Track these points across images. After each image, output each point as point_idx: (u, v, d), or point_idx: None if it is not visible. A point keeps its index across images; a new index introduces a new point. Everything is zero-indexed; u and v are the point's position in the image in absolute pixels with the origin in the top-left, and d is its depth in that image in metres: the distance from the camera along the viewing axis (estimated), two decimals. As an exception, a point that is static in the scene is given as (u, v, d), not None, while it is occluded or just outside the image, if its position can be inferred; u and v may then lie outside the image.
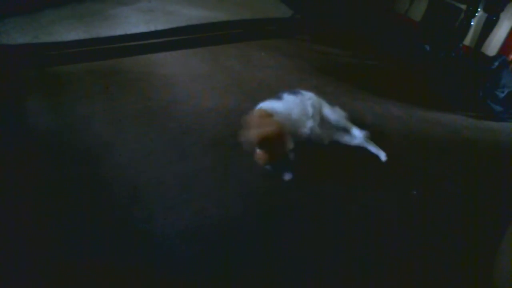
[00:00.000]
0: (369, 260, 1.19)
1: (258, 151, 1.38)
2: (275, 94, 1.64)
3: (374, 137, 1.70)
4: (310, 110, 1.58)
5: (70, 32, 2.35)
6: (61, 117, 1.68)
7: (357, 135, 1.64)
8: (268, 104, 1.54)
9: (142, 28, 2.52)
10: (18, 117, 1.67)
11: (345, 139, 1.66)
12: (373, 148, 1.64)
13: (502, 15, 2.32)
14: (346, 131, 1.66)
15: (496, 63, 2.18)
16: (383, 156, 1.61)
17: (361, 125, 1.72)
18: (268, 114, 1.45)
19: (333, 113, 1.66)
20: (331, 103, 1.73)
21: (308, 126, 1.55)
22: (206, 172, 1.45)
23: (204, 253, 1.14)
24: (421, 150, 1.77)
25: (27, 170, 1.39)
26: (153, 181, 1.38)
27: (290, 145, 1.40)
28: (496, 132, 2.00)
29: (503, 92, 2.17)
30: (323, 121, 1.63)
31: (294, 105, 1.56)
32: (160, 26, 2.58)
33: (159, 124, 1.70)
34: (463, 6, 2.54)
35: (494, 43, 2.55)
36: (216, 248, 1.17)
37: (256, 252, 1.18)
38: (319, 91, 1.75)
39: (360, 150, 1.64)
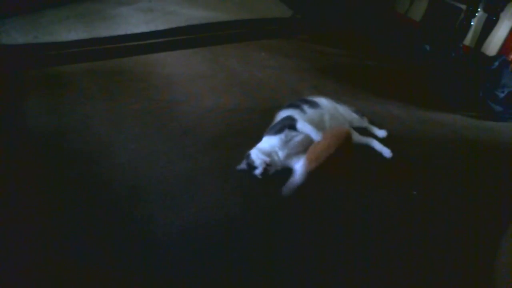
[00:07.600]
0: (369, 260, 1.19)
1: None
2: (287, 101, 1.63)
3: (373, 137, 1.70)
4: (327, 125, 1.60)
5: (70, 32, 2.35)
6: (61, 117, 1.68)
7: (380, 134, 1.75)
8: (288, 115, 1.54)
9: (142, 28, 2.52)
10: (18, 117, 1.67)
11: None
12: (378, 146, 1.64)
13: (502, 15, 2.32)
14: (367, 131, 1.73)
15: (496, 63, 2.18)
16: (387, 153, 1.60)
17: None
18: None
19: (358, 121, 1.76)
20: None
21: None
22: (206, 172, 1.45)
23: (204, 253, 1.14)
24: (421, 150, 1.76)
25: (27, 170, 1.39)
26: (153, 181, 1.38)
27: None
28: (496, 132, 2.00)
29: (503, 92, 2.17)
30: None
31: (314, 124, 1.51)
32: (160, 26, 2.59)
33: (159, 124, 1.70)
34: (463, 6, 2.55)
35: (494, 43, 2.55)
36: (216, 248, 1.17)
37: (256, 252, 1.18)
38: (319, 91, 1.75)
39: (359, 150, 1.63)
